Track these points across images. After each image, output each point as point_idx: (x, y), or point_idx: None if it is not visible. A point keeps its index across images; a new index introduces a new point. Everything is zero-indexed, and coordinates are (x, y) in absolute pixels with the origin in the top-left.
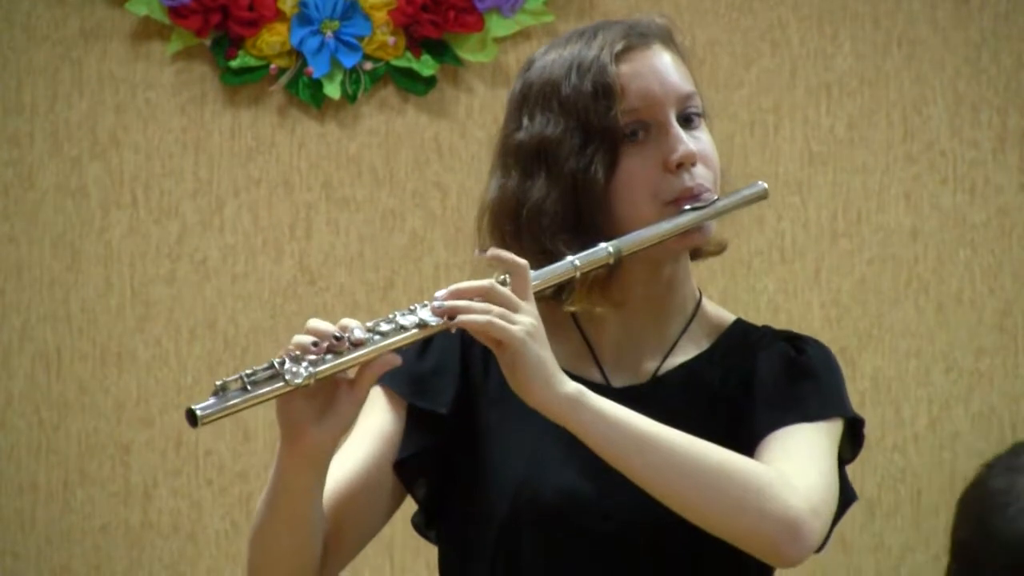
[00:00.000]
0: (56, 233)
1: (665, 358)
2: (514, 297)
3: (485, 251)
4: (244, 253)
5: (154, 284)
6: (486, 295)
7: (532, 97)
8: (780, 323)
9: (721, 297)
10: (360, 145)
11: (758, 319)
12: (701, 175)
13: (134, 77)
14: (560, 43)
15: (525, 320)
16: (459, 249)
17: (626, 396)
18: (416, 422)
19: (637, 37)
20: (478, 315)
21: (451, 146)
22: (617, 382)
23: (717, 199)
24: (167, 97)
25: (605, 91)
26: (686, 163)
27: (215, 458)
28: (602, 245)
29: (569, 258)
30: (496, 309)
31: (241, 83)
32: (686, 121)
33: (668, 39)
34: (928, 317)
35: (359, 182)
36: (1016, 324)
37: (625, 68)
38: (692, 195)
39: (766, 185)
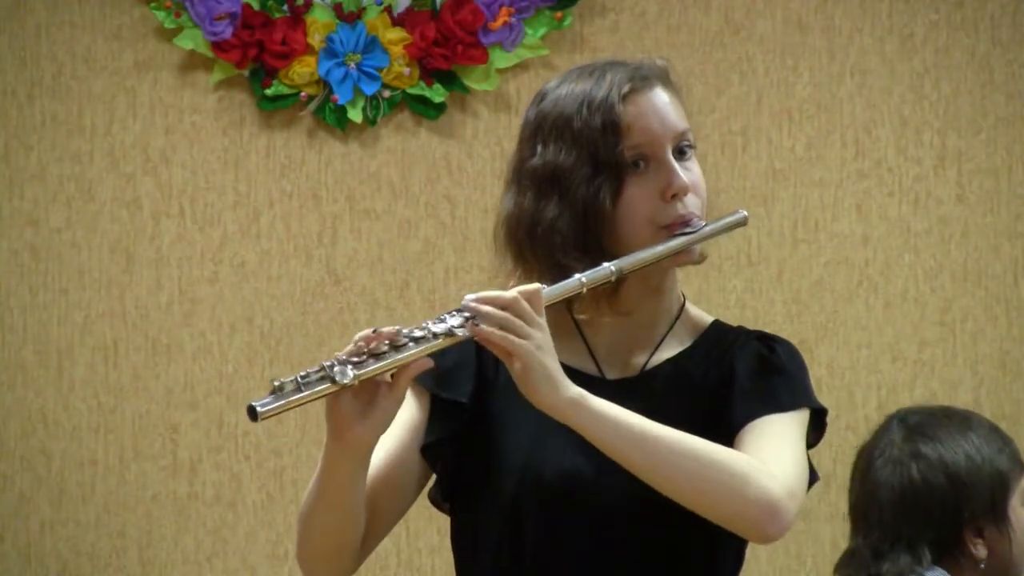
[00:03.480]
0: (113, 240)
1: (652, 354)
2: (530, 311)
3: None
4: (278, 257)
5: (199, 284)
6: (508, 307)
7: (547, 127)
8: (746, 318)
9: (695, 296)
10: (379, 163)
11: (727, 315)
12: (692, 204)
13: (181, 103)
14: (571, 77)
15: (536, 334)
16: (466, 254)
17: (618, 387)
18: (439, 411)
19: (641, 80)
20: (494, 331)
21: (459, 164)
22: (610, 375)
23: (705, 225)
24: (210, 121)
25: (613, 128)
26: (680, 194)
27: (252, 437)
28: (606, 265)
29: (577, 276)
30: (512, 323)
31: (275, 108)
32: (680, 153)
33: (667, 80)
34: (877, 313)
35: (378, 195)
36: (954, 319)
37: (630, 108)
38: (684, 221)
39: (746, 213)
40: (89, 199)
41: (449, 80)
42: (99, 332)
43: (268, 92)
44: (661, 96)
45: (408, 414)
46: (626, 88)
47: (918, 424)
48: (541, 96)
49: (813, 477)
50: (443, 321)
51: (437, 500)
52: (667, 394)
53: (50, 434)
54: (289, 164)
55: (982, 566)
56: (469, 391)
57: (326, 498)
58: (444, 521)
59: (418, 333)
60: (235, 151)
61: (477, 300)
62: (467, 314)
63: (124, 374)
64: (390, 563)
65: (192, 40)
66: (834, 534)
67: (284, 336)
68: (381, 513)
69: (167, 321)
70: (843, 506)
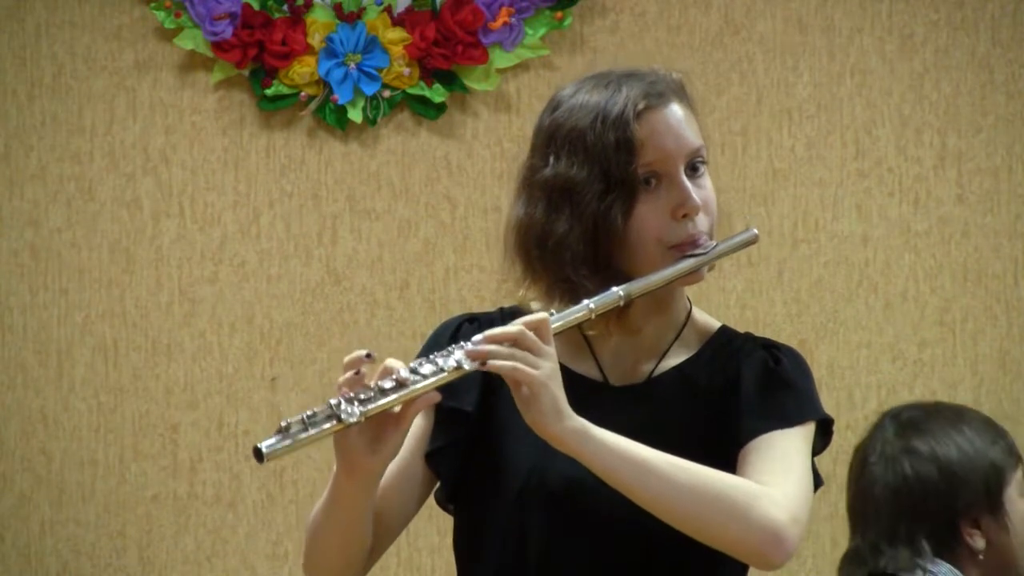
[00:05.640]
0: (113, 240)
1: (659, 361)
2: (538, 342)
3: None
4: (278, 257)
5: (199, 284)
6: (515, 341)
7: (560, 138)
8: (747, 318)
9: (696, 297)
10: (379, 163)
11: (728, 316)
12: (701, 223)
13: (181, 103)
14: (586, 87)
15: (546, 365)
16: (466, 254)
17: (624, 394)
18: (445, 418)
19: (656, 97)
20: (505, 360)
21: (459, 164)
22: (615, 381)
23: (715, 245)
24: (210, 121)
25: (626, 146)
26: (691, 214)
27: (252, 437)
28: (614, 289)
29: (585, 302)
30: (520, 354)
31: (275, 108)
32: (692, 169)
33: (682, 94)
34: (877, 313)
35: (378, 195)
36: (954, 319)
37: (644, 125)
38: (692, 242)
39: (756, 231)
40: (89, 199)
41: (449, 80)
42: (99, 332)
43: (268, 92)
44: (676, 113)
45: (414, 425)
46: (641, 105)
47: (910, 420)
48: (555, 104)
49: (818, 482)
50: (450, 354)
51: (442, 501)
52: (672, 401)
53: (50, 434)
54: (289, 164)
55: (981, 557)
56: (474, 400)
57: (334, 519)
58: (444, 521)
59: (426, 367)
60: (235, 151)
61: (484, 339)
62: (473, 347)
63: (124, 374)
64: (390, 563)
65: (192, 40)
66: (834, 534)
67: (284, 336)
68: (387, 523)
69: (167, 321)
70: (843, 506)
